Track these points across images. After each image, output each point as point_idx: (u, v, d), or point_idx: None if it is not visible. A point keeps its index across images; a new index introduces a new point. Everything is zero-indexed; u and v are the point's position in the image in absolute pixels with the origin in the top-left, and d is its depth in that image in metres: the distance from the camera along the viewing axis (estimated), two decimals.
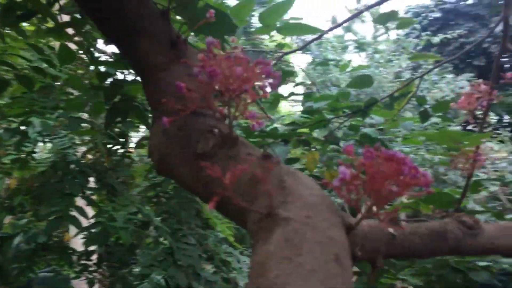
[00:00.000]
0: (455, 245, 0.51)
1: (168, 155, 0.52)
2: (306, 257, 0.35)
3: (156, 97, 0.55)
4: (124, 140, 2.62)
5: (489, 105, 1.14)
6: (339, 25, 1.22)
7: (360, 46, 9.70)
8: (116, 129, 2.46)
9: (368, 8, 1.26)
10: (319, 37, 1.32)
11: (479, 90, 1.14)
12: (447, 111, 1.30)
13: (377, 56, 7.31)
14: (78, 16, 1.22)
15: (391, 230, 0.51)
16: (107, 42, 1.20)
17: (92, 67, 2.02)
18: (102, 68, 1.45)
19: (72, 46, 1.44)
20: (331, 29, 1.23)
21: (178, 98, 0.50)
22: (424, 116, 1.33)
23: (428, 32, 7.52)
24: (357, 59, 10.08)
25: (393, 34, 10.70)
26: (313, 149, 1.63)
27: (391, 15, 1.09)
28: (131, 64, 0.59)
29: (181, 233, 2.74)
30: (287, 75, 1.54)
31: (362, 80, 1.29)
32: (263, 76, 0.47)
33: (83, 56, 1.74)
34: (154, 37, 0.56)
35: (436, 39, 6.95)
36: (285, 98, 1.76)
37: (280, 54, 1.47)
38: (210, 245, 3.11)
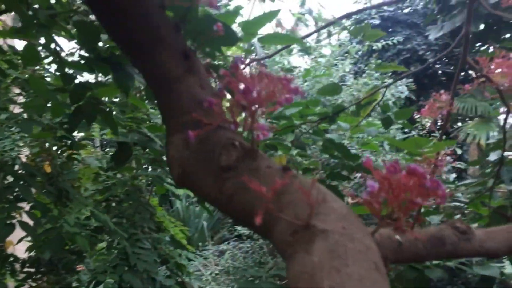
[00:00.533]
0: (452, 249, 0.56)
1: (190, 168, 0.52)
2: (352, 267, 0.37)
3: (171, 110, 0.55)
4: (71, 141, 2.52)
5: (449, 114, 1.23)
6: (315, 32, 1.26)
7: (305, 50, 9.95)
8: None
9: (341, 18, 1.32)
10: (288, 46, 1.36)
11: (440, 100, 1.23)
12: (408, 117, 1.38)
13: (322, 60, 7.52)
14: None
15: (398, 237, 0.55)
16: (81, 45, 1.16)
17: (46, 67, 1.93)
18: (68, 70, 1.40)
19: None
20: (306, 36, 1.27)
21: (201, 111, 0.51)
22: (387, 122, 1.40)
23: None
24: (301, 62, 10.30)
25: (335, 38, 11.06)
26: (280, 154, 1.67)
27: (364, 28, 1.15)
28: (144, 74, 0.58)
29: (135, 237, 2.69)
30: None
31: (332, 88, 1.34)
32: (288, 92, 0.49)
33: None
34: (170, 49, 0.56)
35: (378, 45, 7.28)
36: None
37: (251, 59, 1.49)
38: (164, 248, 3.07)
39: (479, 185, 1.58)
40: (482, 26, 7.15)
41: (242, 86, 0.48)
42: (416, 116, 1.30)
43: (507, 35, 7.21)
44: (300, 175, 0.53)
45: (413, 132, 5.82)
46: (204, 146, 0.52)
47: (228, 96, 0.54)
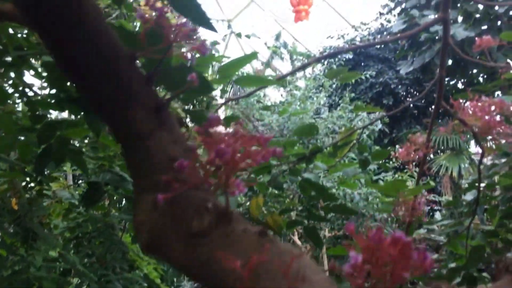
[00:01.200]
0: None
1: (159, 233, 0.48)
2: None
3: (141, 169, 0.52)
4: (41, 177, 2.42)
5: (425, 156, 1.23)
6: (289, 74, 1.26)
7: (280, 83, 10.09)
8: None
9: (318, 59, 1.32)
10: (265, 86, 1.35)
11: (416, 142, 1.23)
12: (385, 158, 1.38)
13: (297, 92, 7.62)
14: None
15: None
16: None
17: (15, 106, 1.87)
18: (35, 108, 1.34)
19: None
20: (282, 77, 1.26)
21: (173, 169, 0.47)
22: (364, 164, 1.40)
23: None
24: (276, 95, 10.42)
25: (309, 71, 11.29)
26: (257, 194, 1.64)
27: (340, 71, 1.15)
28: (113, 130, 0.55)
29: (106, 279, 2.57)
30: (233, 119, 1.54)
31: (308, 129, 1.33)
32: (265, 154, 0.47)
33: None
34: (141, 103, 0.53)
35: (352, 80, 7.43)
36: None
37: (226, 100, 1.48)
38: None
39: (456, 225, 1.57)
40: (450, 62, 7.41)
41: (216, 147, 0.45)
42: (392, 155, 1.30)
43: (474, 70, 7.50)
44: (277, 240, 0.49)
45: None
46: (175, 209, 0.49)
47: (202, 153, 0.51)
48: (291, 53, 12.99)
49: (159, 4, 0.51)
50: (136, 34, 0.56)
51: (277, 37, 13.08)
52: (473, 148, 7.85)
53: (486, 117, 1.14)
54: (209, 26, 0.64)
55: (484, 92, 1.50)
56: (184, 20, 0.51)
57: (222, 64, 0.97)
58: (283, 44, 13.27)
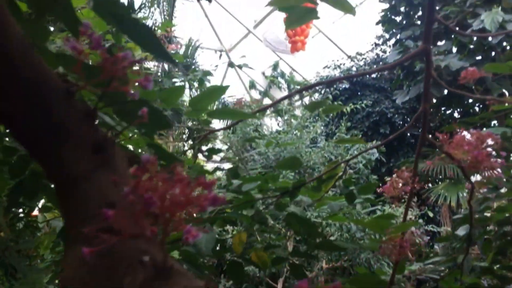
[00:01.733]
0: None
1: None
2: None
3: (75, 215, 0.46)
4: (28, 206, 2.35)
5: (412, 191, 1.17)
6: (275, 103, 1.21)
7: (277, 112, 10.11)
8: None
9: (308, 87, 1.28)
10: (241, 120, 1.31)
11: (402, 177, 1.18)
12: (372, 192, 1.32)
13: (293, 121, 7.61)
14: None
15: None
16: None
17: None
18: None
19: None
20: (259, 111, 1.22)
21: (103, 219, 0.42)
22: (350, 197, 1.34)
23: (340, 102, 8.05)
24: (274, 124, 10.42)
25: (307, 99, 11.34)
26: (240, 228, 1.57)
27: (321, 103, 1.11)
28: (46, 173, 0.50)
29: None
30: (214, 152, 1.49)
31: (291, 162, 1.28)
32: (208, 201, 0.42)
33: None
34: (78, 142, 0.48)
35: (347, 109, 7.44)
36: (211, 173, 1.70)
37: (206, 132, 1.43)
38: None
39: (449, 261, 1.50)
40: (445, 91, 7.43)
41: (147, 195, 0.39)
42: (380, 191, 1.24)
43: (470, 100, 7.51)
44: None
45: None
46: (106, 263, 0.43)
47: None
48: (289, 82, 13.09)
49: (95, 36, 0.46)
50: (76, 61, 0.52)
51: (275, 67, 13.20)
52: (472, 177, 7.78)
53: (474, 151, 1.10)
54: (166, 57, 0.60)
55: (473, 124, 1.46)
56: (125, 52, 0.47)
57: (193, 97, 0.93)
58: (281, 73, 13.38)
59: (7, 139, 1.31)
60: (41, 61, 0.48)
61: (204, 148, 1.69)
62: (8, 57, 0.44)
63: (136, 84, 0.53)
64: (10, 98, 0.45)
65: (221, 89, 0.92)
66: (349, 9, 0.91)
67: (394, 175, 1.17)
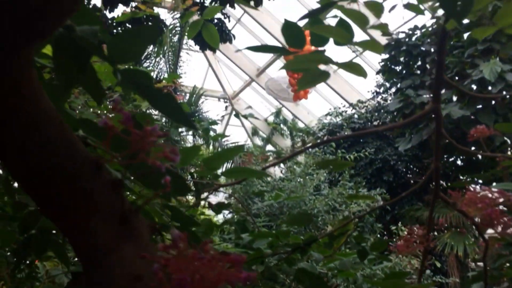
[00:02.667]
0: None
1: None
2: None
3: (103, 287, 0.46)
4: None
5: (426, 250, 1.16)
6: (286, 158, 1.22)
7: (266, 173, 10.14)
8: None
9: (311, 147, 1.30)
10: (265, 173, 1.31)
11: (416, 234, 1.17)
12: (384, 249, 1.31)
13: (297, 168, 7.61)
14: None
15: None
16: None
17: None
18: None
19: None
20: (268, 167, 1.22)
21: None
22: (363, 254, 1.32)
23: (343, 150, 8.09)
24: (277, 171, 10.41)
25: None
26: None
27: (332, 161, 1.12)
28: (72, 245, 0.50)
29: None
30: (224, 207, 1.49)
31: (301, 218, 1.28)
32: (239, 279, 0.41)
33: None
34: (106, 214, 0.48)
35: (351, 157, 7.46)
36: (218, 227, 1.69)
37: (216, 186, 1.43)
38: None
39: None
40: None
41: (179, 275, 0.39)
42: (391, 249, 1.23)
43: (473, 148, 7.54)
44: None
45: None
46: None
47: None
48: (291, 129, 13.22)
49: (125, 109, 0.48)
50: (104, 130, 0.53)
51: (277, 113, 13.38)
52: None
53: (487, 208, 1.09)
54: (189, 124, 0.61)
55: (484, 180, 1.45)
56: (153, 126, 0.48)
57: (208, 156, 0.94)
58: (283, 120, 13.54)
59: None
60: (72, 132, 0.49)
61: (211, 200, 1.68)
62: (40, 129, 0.45)
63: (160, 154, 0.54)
64: (38, 171, 0.46)
65: (236, 150, 0.93)
66: (362, 73, 0.94)
67: (406, 233, 1.15)
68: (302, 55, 0.94)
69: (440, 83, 1.00)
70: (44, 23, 0.37)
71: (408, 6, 1.71)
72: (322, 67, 0.98)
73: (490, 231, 1.22)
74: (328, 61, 0.93)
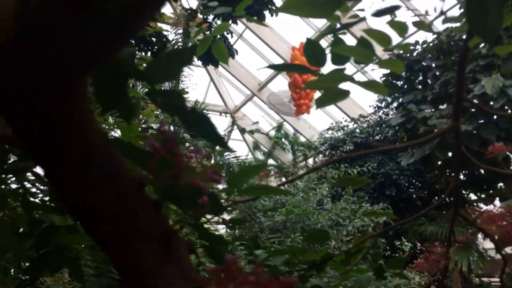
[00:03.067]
0: None
1: None
2: None
3: None
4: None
5: (446, 268, 1.15)
6: (305, 174, 1.22)
7: (283, 172, 10.13)
8: None
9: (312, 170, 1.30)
10: (288, 191, 1.31)
11: (435, 252, 1.16)
12: (402, 267, 1.30)
13: (300, 183, 7.59)
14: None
15: None
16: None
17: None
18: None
19: None
20: (285, 183, 1.22)
21: None
22: (380, 271, 1.31)
23: (346, 165, 8.08)
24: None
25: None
26: None
27: (352, 180, 1.13)
28: (115, 265, 0.50)
29: None
30: (238, 222, 1.48)
31: (319, 235, 1.27)
32: None
33: None
34: (148, 234, 0.49)
35: (354, 171, 7.46)
36: (232, 242, 1.68)
37: (232, 202, 1.43)
38: None
39: None
40: (450, 153, 7.47)
41: None
42: (409, 267, 1.22)
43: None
44: None
45: None
46: None
47: None
48: (292, 143, 13.22)
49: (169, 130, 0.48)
50: (146, 154, 0.53)
51: (279, 128, 13.40)
52: (481, 240, 7.63)
53: (506, 225, 1.09)
54: (224, 145, 0.62)
55: (501, 197, 1.45)
56: (195, 148, 0.48)
57: (232, 175, 0.95)
58: (284, 135, 13.56)
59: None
60: (116, 155, 0.49)
61: (225, 216, 1.68)
62: (94, 152, 0.45)
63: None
64: (89, 195, 0.46)
65: (259, 167, 0.94)
66: (382, 91, 0.94)
67: (427, 251, 1.15)
68: (324, 74, 0.95)
69: (459, 100, 1.01)
70: (118, 44, 0.37)
71: (416, 24, 1.73)
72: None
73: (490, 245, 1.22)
74: (349, 79, 0.94)
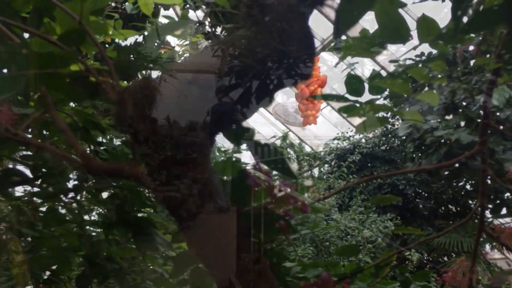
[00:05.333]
0: None
1: None
2: None
3: None
4: None
5: (471, 280, 1.24)
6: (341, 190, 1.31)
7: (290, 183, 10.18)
8: None
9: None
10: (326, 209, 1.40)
11: (462, 266, 1.24)
12: (427, 279, 1.38)
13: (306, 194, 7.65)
14: None
15: None
16: None
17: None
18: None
19: None
20: (323, 198, 1.31)
21: None
22: (406, 284, 1.39)
23: (354, 176, 8.15)
24: None
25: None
26: None
27: (382, 198, 1.21)
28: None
29: None
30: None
31: (349, 250, 1.36)
32: None
33: None
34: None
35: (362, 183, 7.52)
36: None
37: None
38: None
39: None
40: (456, 164, 7.53)
41: None
42: (436, 280, 1.30)
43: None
44: None
45: None
46: None
47: None
48: (298, 153, 13.29)
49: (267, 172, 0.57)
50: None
51: (284, 138, 13.47)
52: (488, 250, 7.65)
53: None
54: (292, 176, 0.71)
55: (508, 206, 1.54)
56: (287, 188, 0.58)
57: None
58: (290, 144, 13.62)
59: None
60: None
61: None
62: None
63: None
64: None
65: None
66: (435, 100, 1.04)
67: (454, 265, 1.23)
68: (364, 104, 1.04)
69: (486, 127, 1.10)
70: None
71: (432, 44, 1.82)
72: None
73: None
74: (388, 110, 1.03)
